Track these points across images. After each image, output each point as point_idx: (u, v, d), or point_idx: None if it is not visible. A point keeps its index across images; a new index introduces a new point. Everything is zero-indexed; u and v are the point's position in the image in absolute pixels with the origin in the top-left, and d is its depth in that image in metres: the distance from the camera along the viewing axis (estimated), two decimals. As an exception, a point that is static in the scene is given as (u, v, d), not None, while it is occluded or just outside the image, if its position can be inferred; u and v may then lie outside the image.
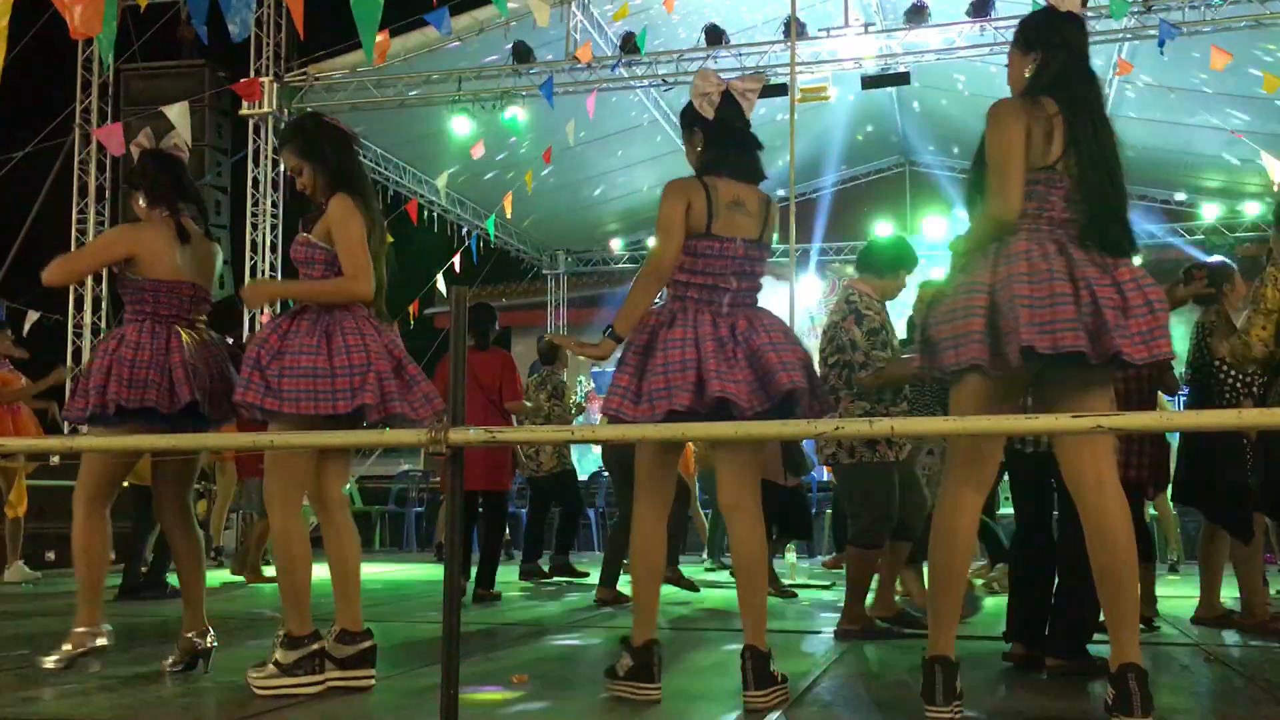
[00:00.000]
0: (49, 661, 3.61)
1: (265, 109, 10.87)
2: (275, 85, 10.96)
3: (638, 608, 3.35)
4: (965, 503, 2.98)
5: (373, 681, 3.46)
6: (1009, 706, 3.33)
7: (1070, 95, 2.97)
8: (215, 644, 3.79)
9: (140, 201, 3.88)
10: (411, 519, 12.80)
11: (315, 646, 3.42)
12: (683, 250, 3.32)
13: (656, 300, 3.40)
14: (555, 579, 8.04)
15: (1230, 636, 4.87)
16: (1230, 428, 4.03)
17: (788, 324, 3.43)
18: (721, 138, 3.42)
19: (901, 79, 10.78)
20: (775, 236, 3.51)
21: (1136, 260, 2.94)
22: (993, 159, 2.94)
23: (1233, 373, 4.89)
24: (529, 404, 7.46)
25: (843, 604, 4.93)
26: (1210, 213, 14.59)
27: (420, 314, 12.86)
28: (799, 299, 9.89)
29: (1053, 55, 3.03)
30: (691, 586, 6.93)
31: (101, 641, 3.68)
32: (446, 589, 2.75)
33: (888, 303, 4.92)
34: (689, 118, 3.46)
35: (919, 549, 5.24)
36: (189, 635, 3.75)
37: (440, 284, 12.11)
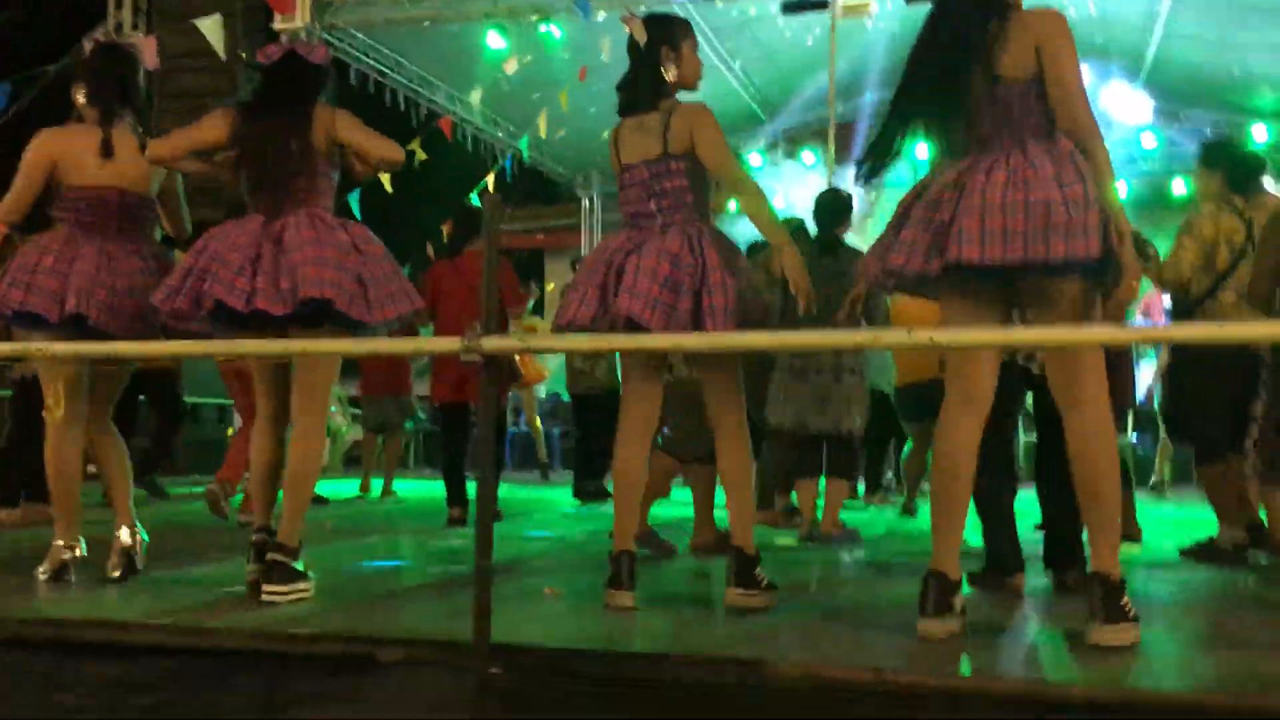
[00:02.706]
0: (40, 573, 3.69)
1: (298, 23, 10.73)
2: (309, 0, 10.81)
3: (616, 519, 3.47)
4: (958, 421, 3.01)
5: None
6: (995, 620, 3.34)
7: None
8: (143, 540, 3.83)
9: (79, 97, 3.80)
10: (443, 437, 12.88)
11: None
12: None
13: None
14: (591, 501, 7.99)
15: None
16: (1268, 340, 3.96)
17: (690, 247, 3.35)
18: (621, 80, 3.61)
19: (946, -7, 10.47)
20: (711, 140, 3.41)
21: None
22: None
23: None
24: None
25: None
26: (1260, 134, 14.20)
27: (454, 233, 12.79)
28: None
29: None
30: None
31: (78, 554, 3.75)
32: (480, 497, 2.76)
33: None
34: None
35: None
36: (119, 533, 3.77)
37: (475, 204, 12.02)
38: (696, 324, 3.24)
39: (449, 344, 2.84)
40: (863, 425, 5.43)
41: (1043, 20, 2.89)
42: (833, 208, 5.58)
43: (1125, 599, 2.84)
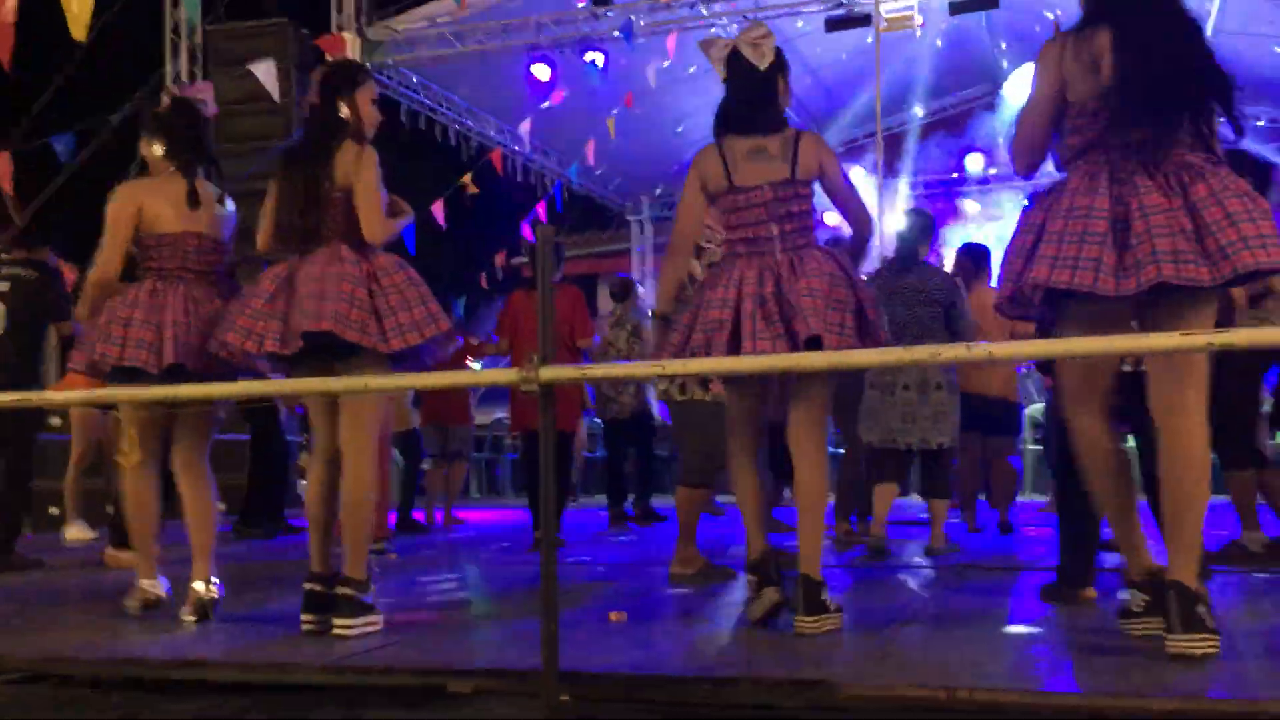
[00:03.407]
0: (127, 607, 3.81)
1: (348, 64, 10.94)
2: (358, 40, 11.02)
3: (748, 535, 3.54)
4: (1084, 428, 3.03)
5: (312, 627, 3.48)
6: (1069, 633, 3.28)
7: (1116, 19, 2.94)
8: (219, 595, 3.79)
9: (156, 149, 3.90)
10: (506, 465, 12.98)
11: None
12: (720, 210, 3.52)
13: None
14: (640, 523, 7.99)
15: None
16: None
17: (840, 265, 3.42)
18: (732, 98, 3.55)
19: (990, 3, 10.43)
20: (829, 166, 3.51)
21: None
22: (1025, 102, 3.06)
23: None
24: (605, 340, 7.45)
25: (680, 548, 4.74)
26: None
27: (507, 263, 12.92)
28: (889, 232, 9.69)
29: None
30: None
31: (157, 595, 3.85)
32: (543, 527, 2.78)
33: None
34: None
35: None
36: (194, 585, 3.76)
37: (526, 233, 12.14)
38: (863, 338, 3.34)
39: (506, 375, 2.87)
40: (954, 439, 5.48)
41: None
42: (921, 227, 5.74)
43: (1201, 608, 2.78)
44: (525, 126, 11.44)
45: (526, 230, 11.16)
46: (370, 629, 3.40)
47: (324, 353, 3.44)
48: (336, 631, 3.36)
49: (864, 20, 10.04)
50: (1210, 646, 2.76)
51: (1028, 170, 3.11)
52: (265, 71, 8.25)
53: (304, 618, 3.50)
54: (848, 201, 3.56)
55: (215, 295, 3.83)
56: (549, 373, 2.76)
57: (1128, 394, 3.25)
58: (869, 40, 10.11)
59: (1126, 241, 2.77)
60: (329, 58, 10.62)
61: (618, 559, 5.80)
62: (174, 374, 3.65)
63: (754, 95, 3.52)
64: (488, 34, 11.04)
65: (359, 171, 3.52)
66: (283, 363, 3.55)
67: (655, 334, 3.61)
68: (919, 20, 9.98)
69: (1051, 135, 3.05)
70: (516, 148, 12.88)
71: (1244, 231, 2.69)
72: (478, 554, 6.32)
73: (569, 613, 3.65)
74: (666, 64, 10.59)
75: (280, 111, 10.30)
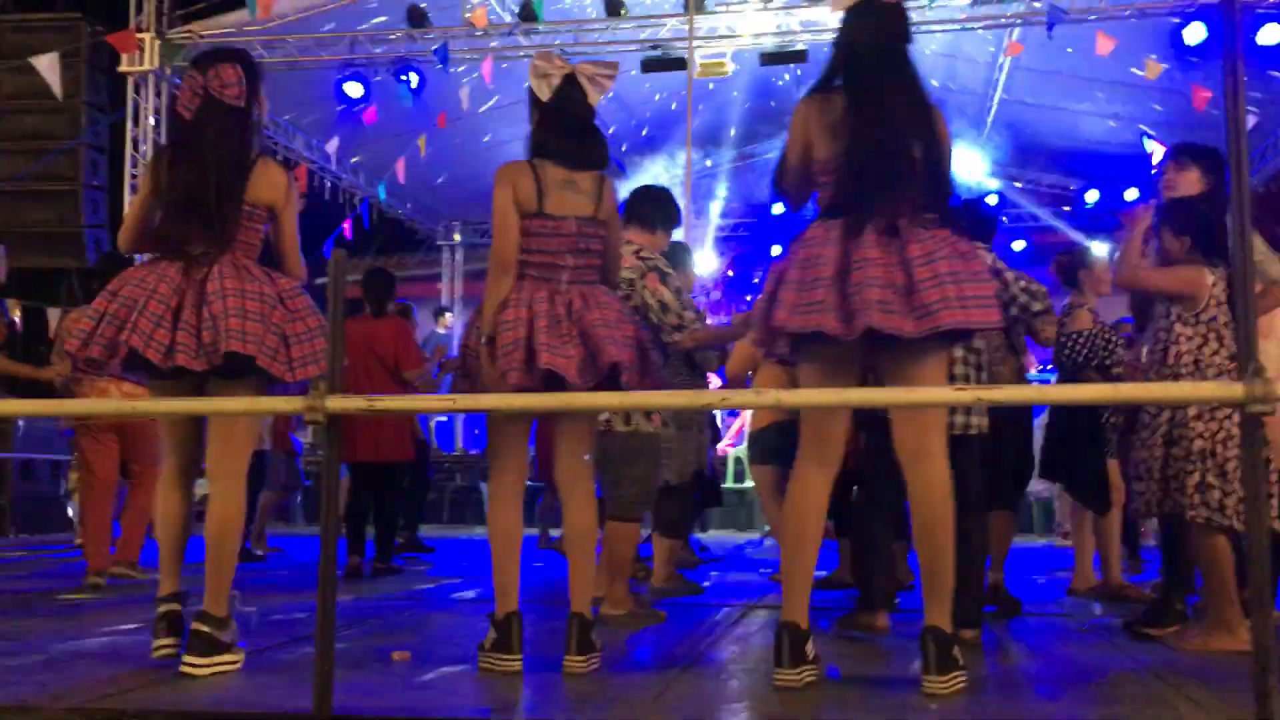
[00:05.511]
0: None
1: (147, 66, 10.41)
2: (157, 42, 10.51)
3: (497, 581, 3.37)
4: (811, 479, 3.13)
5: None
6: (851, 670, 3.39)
7: (851, 84, 3.16)
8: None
9: None
10: (298, 493, 12.49)
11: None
12: (522, 232, 3.37)
13: None
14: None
15: (1098, 606, 5.10)
16: (1106, 401, 4.17)
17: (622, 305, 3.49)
18: (554, 122, 3.45)
19: (798, 57, 10.80)
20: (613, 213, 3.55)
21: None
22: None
23: (1082, 350, 5.05)
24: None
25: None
26: (1092, 197, 15.00)
27: (311, 284, 12.52)
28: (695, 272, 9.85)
29: (837, 50, 3.23)
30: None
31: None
32: (322, 561, 2.66)
33: None
34: (529, 98, 3.48)
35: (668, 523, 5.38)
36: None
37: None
38: (644, 376, 3.37)
39: (290, 404, 2.76)
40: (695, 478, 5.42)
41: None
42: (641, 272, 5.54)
43: (956, 649, 2.98)
44: (333, 144, 11.16)
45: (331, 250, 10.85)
46: (224, 668, 3.21)
47: (206, 371, 3.22)
48: (185, 669, 3.15)
49: (679, 64, 10.23)
50: (961, 682, 2.96)
51: (798, 209, 3.31)
52: (48, 66, 7.76)
53: (160, 643, 3.30)
54: (612, 258, 3.55)
55: None
56: (336, 402, 2.66)
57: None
58: (683, 82, 10.31)
59: (846, 290, 2.93)
60: (125, 59, 10.11)
61: (424, 594, 5.64)
62: None
63: (581, 129, 3.47)
64: (299, 47, 10.71)
65: (287, 207, 3.43)
66: (159, 375, 3.29)
67: (484, 357, 3.31)
68: (731, 67, 10.26)
69: (806, 184, 3.23)
70: (324, 165, 12.54)
71: (947, 293, 2.88)
72: (280, 585, 6.03)
73: (351, 651, 3.51)
74: (490, 103, 10.51)
75: (65, 110, 9.71)
